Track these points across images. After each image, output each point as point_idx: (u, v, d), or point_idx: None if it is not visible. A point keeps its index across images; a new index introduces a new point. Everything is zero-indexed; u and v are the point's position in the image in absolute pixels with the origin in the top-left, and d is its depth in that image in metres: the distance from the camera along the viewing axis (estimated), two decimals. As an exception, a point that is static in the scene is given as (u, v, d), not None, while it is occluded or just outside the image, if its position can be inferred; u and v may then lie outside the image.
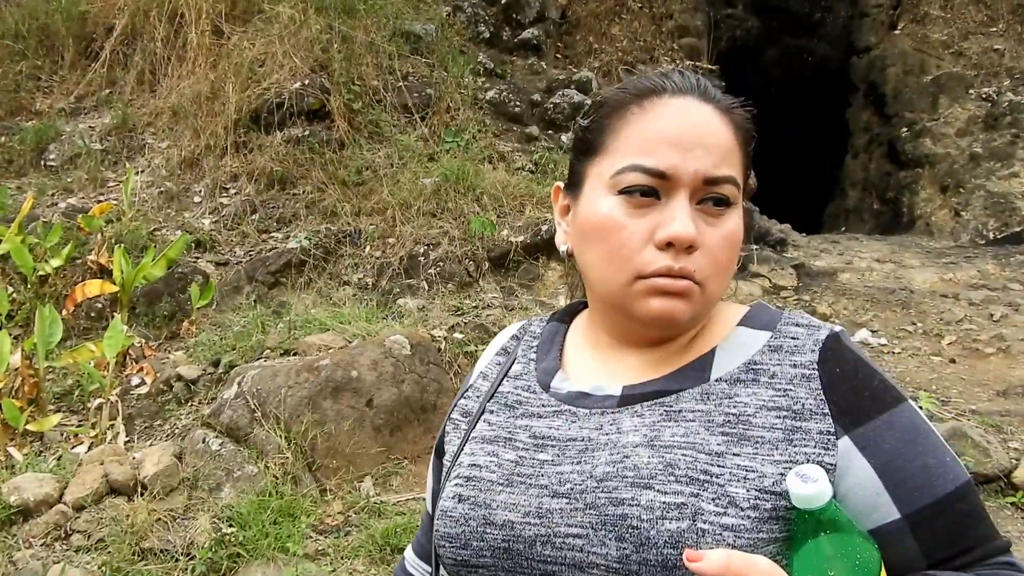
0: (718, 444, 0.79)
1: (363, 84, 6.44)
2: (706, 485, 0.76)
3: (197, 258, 5.28)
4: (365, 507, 3.47)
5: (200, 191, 5.83)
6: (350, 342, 4.20)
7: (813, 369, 0.82)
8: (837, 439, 0.79)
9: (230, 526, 3.24)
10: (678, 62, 8.30)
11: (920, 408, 0.93)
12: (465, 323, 4.51)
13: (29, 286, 4.90)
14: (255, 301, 4.91)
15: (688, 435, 0.80)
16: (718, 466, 0.77)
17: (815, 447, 0.78)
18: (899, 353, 4.66)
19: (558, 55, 8.19)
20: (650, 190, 0.83)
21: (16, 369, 4.02)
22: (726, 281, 0.87)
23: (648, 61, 8.20)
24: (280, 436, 3.56)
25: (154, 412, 4.08)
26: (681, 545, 0.73)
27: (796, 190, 9.04)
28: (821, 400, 0.80)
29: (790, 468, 0.75)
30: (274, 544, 3.17)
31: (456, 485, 0.88)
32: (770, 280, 5.72)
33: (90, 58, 6.96)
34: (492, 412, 0.95)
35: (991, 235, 6.92)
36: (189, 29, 6.69)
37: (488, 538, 0.82)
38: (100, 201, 5.58)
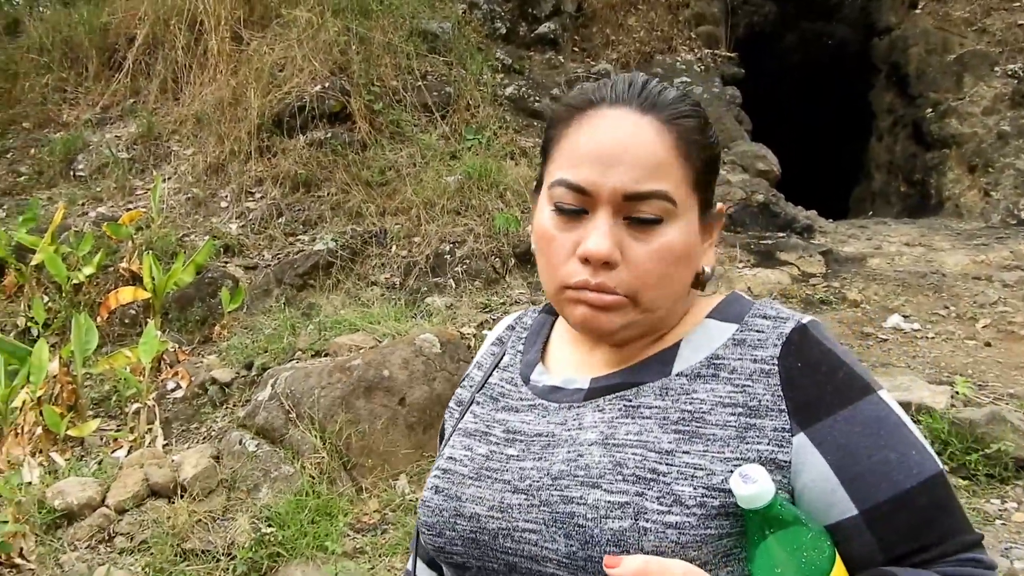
0: (669, 442, 0.80)
1: (383, 85, 6.47)
2: (652, 484, 0.77)
3: (226, 263, 5.34)
4: (401, 505, 3.49)
5: (226, 196, 5.89)
6: (380, 342, 4.23)
7: (773, 364, 0.82)
8: (792, 436, 0.79)
9: (269, 526, 3.28)
10: (696, 51, 8.26)
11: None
12: (494, 320, 4.52)
13: (64, 294, 4.98)
14: (284, 304, 4.96)
15: (642, 433, 0.82)
16: (667, 464, 0.79)
17: (768, 444, 0.79)
18: (933, 338, 4.61)
19: (575, 48, 8.17)
20: (578, 205, 0.84)
21: (54, 376, 4.08)
22: (666, 292, 0.86)
23: (666, 51, 8.16)
24: (315, 436, 3.60)
25: (190, 415, 4.13)
26: (623, 543, 0.75)
27: (820, 175, 8.96)
28: (779, 396, 0.80)
29: (740, 465, 0.76)
30: (313, 543, 3.20)
31: (435, 476, 0.93)
32: (798, 268, 5.67)
33: (113, 68, 7.06)
34: (479, 404, 0.99)
35: (1022, 214, 6.82)
36: (209, 36, 6.76)
37: (458, 529, 0.86)
38: (129, 209, 5.65)
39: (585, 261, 0.83)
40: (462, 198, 5.53)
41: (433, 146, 6.08)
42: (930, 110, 7.88)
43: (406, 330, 4.33)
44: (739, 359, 0.83)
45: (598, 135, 0.84)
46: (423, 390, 3.81)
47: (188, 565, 3.13)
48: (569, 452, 0.83)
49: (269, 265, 5.33)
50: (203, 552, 3.18)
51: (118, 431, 4.09)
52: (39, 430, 3.83)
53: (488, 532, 0.84)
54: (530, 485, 0.83)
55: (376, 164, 5.88)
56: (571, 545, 0.77)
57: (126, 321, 4.96)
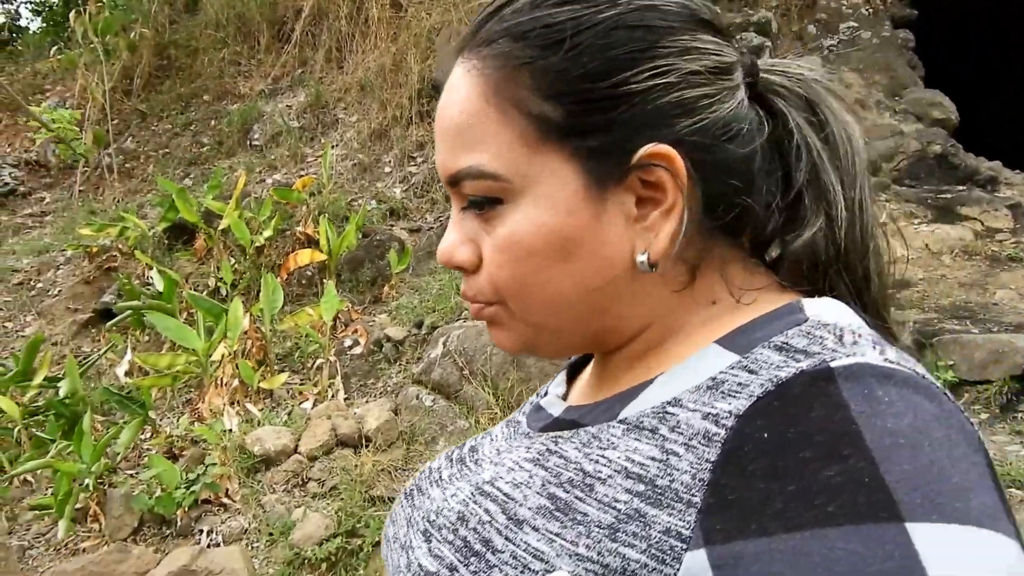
0: (531, 508, 0.55)
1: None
2: (471, 560, 0.55)
3: (392, 225, 5.55)
4: (571, 461, 3.56)
5: (390, 161, 6.11)
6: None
7: (724, 426, 0.48)
8: (687, 549, 0.46)
9: (448, 477, 3.43)
10: (865, -6, 7.74)
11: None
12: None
13: (247, 256, 5.34)
14: (448, 264, 5.11)
15: (520, 486, 0.57)
16: (506, 539, 0.54)
17: (644, 552, 0.48)
18: None
19: (732, -3, 7.84)
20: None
21: (245, 332, 4.41)
22: (539, 297, 0.59)
23: (832, -5, 7.69)
24: (488, 392, 3.72)
25: (367, 371, 4.36)
26: None
27: (1004, 124, 8.25)
28: (700, 481, 0.47)
29: (594, 570, 0.49)
30: (490, 494, 3.33)
31: None
32: (982, 223, 5.29)
33: (283, 40, 7.42)
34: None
35: None
36: (370, 5, 6.98)
37: (384, 550, 0.71)
38: (302, 175, 5.97)
39: None
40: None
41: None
42: None
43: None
44: (694, 411, 0.52)
45: None
46: (590, 350, 3.85)
47: (376, 511, 3.33)
48: (458, 489, 0.63)
49: (432, 228, 5.50)
50: (389, 499, 3.37)
51: (302, 384, 4.38)
52: (235, 382, 4.15)
53: (389, 564, 0.67)
54: (416, 518, 0.65)
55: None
56: None
57: (303, 282, 5.27)
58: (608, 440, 0.55)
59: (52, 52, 8.25)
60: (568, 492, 0.54)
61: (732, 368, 0.53)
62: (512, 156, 0.56)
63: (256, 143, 6.63)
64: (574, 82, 0.54)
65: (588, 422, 0.60)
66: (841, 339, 0.51)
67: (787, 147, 0.59)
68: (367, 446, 3.65)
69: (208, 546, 3.31)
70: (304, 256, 5.04)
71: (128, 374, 4.51)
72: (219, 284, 5.26)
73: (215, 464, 3.59)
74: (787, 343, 0.52)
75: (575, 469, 0.55)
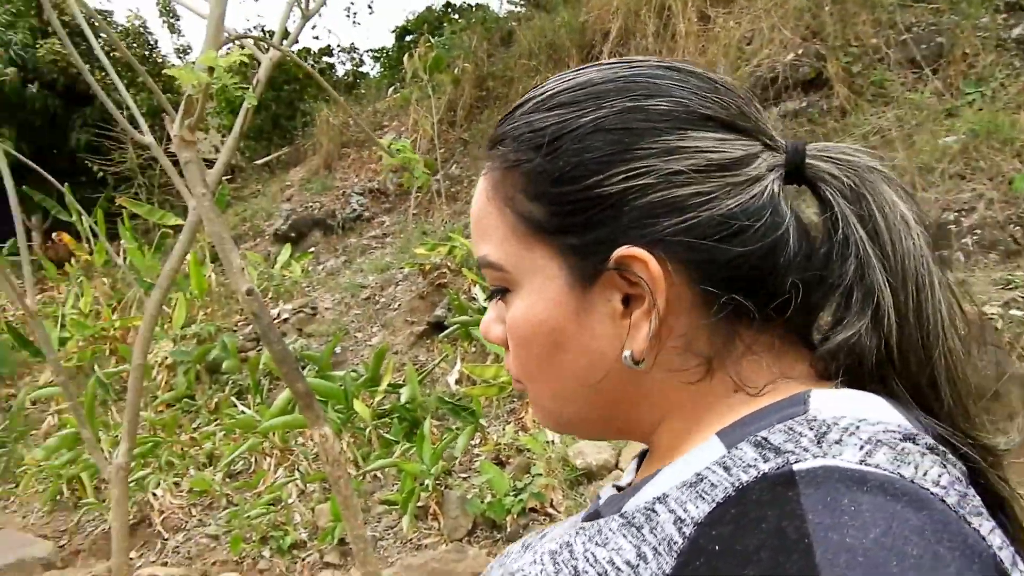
0: None
1: (861, 44, 6.01)
2: None
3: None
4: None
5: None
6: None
7: (683, 535, 0.47)
8: None
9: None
10: None
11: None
12: (1022, 297, 3.90)
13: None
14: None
15: None
16: None
17: None
18: None
19: (1105, -33, 6.69)
20: None
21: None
22: (542, 377, 0.61)
23: None
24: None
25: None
26: None
27: None
28: None
29: None
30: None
31: None
32: None
33: (592, 63, 7.63)
34: None
35: None
36: (677, 20, 6.94)
37: None
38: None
39: None
40: (967, 160, 4.88)
41: (923, 105, 5.47)
42: None
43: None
44: (671, 511, 0.50)
45: None
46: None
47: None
48: (499, 574, 0.65)
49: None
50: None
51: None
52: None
53: None
54: None
55: (859, 130, 5.48)
56: None
57: (616, 298, 5.34)
58: (604, 536, 0.54)
59: (389, 92, 9.24)
60: None
61: (714, 463, 0.51)
62: (508, 249, 0.59)
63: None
64: (552, 184, 0.56)
65: (605, 513, 0.59)
66: (822, 437, 0.47)
67: (835, 238, 0.56)
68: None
69: (536, 554, 3.42)
70: (617, 273, 5.10)
71: (458, 383, 4.85)
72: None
73: (540, 474, 3.72)
74: (766, 439, 0.49)
75: (571, 566, 0.54)
